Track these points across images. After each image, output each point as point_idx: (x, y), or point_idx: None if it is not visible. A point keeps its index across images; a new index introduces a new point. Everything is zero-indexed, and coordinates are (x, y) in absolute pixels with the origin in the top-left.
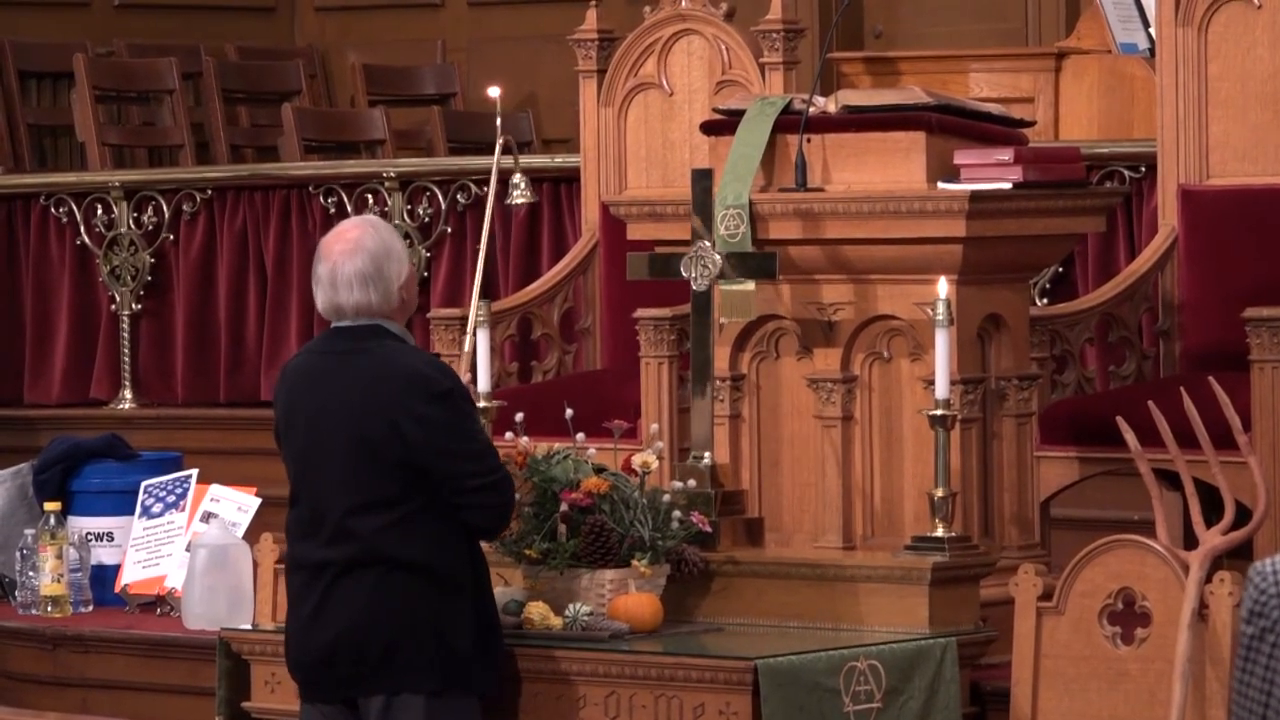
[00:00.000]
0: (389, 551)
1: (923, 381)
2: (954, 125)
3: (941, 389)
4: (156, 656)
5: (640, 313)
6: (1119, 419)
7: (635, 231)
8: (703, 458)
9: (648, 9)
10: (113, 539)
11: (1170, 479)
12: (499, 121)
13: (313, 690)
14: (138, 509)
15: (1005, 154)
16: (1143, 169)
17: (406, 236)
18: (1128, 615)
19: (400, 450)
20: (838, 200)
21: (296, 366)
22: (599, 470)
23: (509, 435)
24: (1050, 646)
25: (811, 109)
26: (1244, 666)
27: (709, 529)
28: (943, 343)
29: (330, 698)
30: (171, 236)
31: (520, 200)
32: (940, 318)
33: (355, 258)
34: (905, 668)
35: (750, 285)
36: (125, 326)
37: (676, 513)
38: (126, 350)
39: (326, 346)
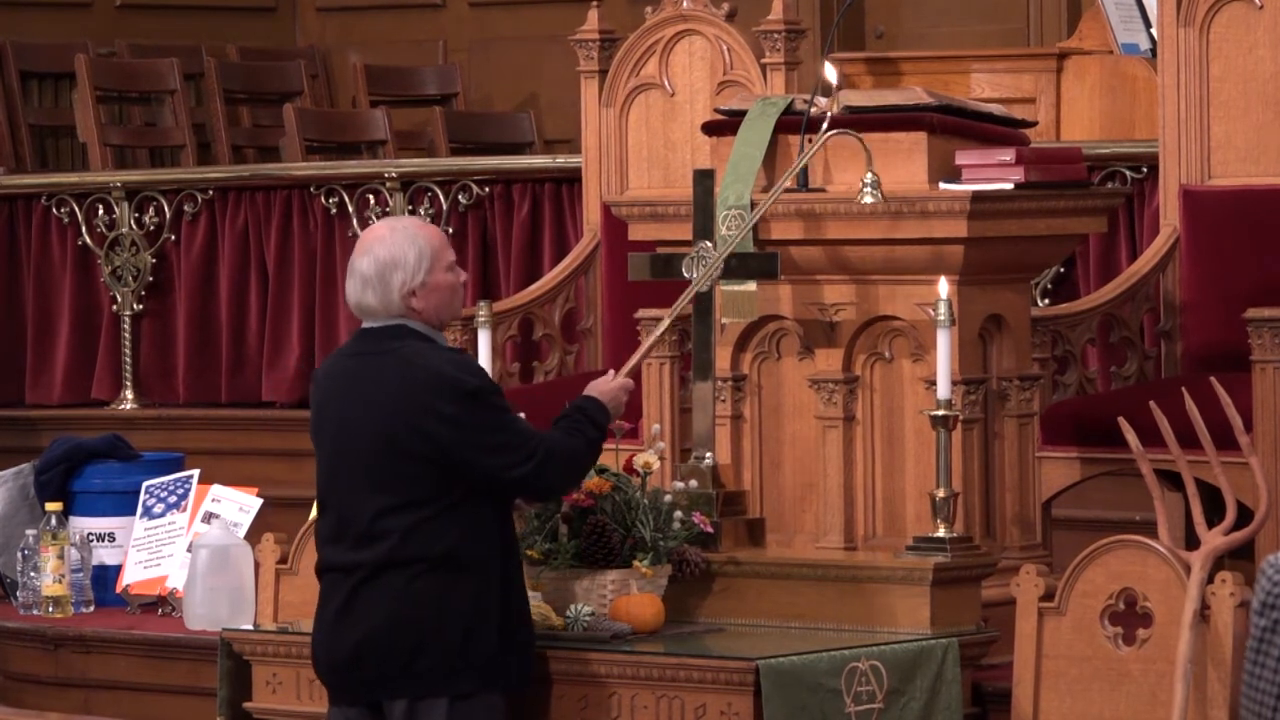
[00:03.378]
0: (419, 551)
1: (924, 382)
2: (955, 126)
3: (943, 389)
4: (158, 657)
5: (641, 313)
6: (1120, 419)
7: (637, 232)
8: (704, 458)
9: (649, 9)
10: (114, 539)
11: (1172, 479)
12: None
13: (338, 692)
14: (139, 509)
15: (1007, 154)
16: (1144, 169)
17: None
18: (1129, 616)
19: (431, 451)
20: (839, 201)
21: (326, 371)
22: (600, 471)
23: None
24: (1052, 647)
25: (813, 109)
26: (1255, 659)
27: (710, 529)
28: (944, 343)
29: (355, 700)
30: (173, 237)
31: (870, 199)
32: (942, 318)
33: (365, 258)
34: (907, 668)
35: (752, 286)
36: (127, 327)
37: (678, 513)
38: (128, 351)
39: (353, 349)
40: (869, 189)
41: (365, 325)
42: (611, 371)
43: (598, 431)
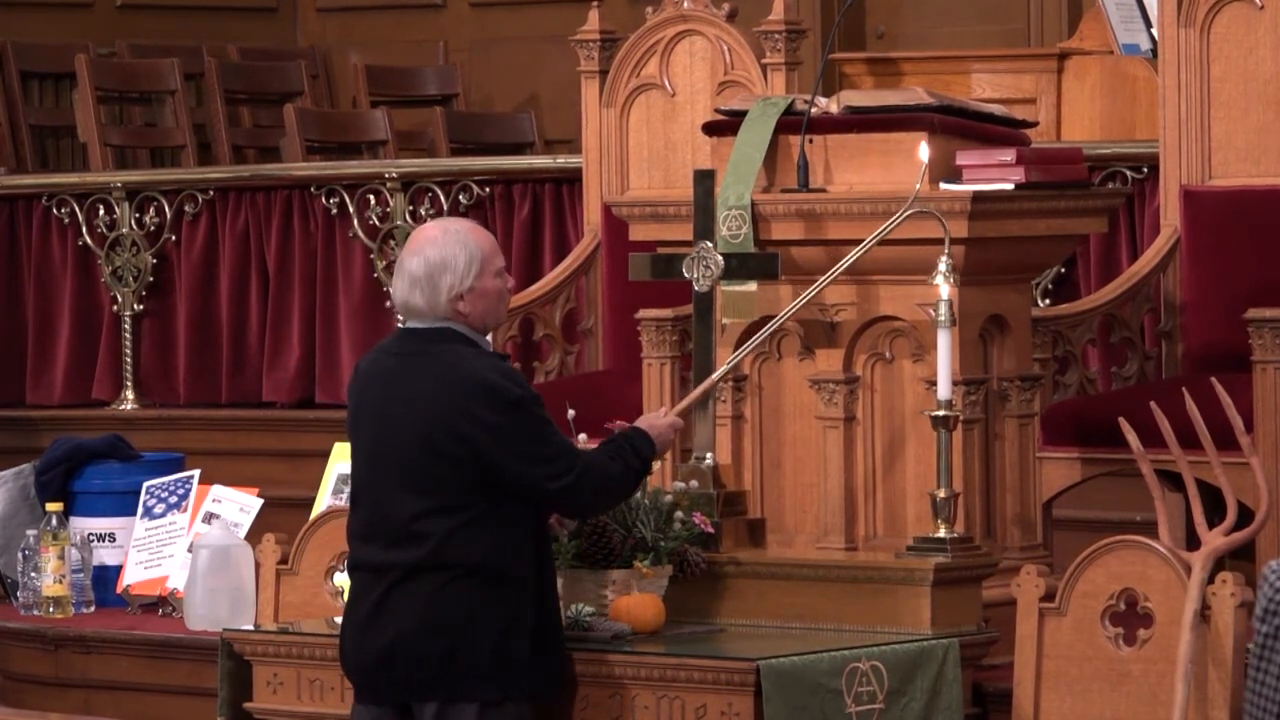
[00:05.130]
0: (454, 556)
1: (925, 382)
2: (956, 126)
3: (944, 390)
4: (158, 657)
5: (642, 313)
6: (1121, 420)
7: (637, 232)
8: (705, 458)
9: (650, 10)
10: (115, 540)
11: (1172, 480)
12: None
13: (367, 692)
14: (140, 510)
15: (1007, 155)
16: (1145, 170)
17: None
18: (1130, 616)
19: (471, 457)
20: (840, 201)
21: (367, 368)
22: None
23: None
24: (1052, 647)
25: (814, 110)
26: (1258, 665)
27: (711, 530)
28: (945, 343)
29: (384, 700)
30: (173, 237)
31: (940, 280)
32: (942, 318)
33: (415, 258)
34: (907, 669)
35: (752, 286)
36: (127, 327)
37: (679, 514)
38: (128, 351)
39: (396, 348)
40: (943, 272)
41: (409, 325)
42: (664, 409)
43: (640, 462)
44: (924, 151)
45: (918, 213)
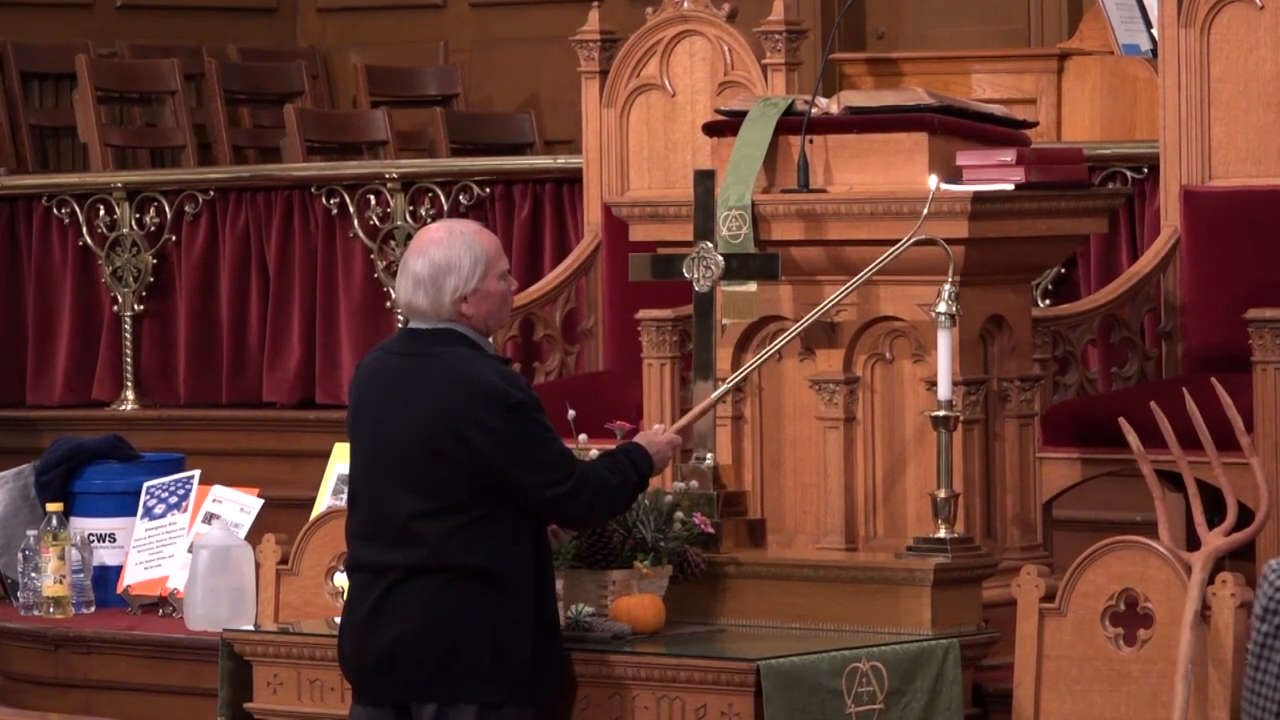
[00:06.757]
0: (453, 558)
1: (925, 382)
2: (956, 126)
3: (944, 390)
4: (158, 658)
5: (642, 314)
6: (1121, 420)
7: (637, 232)
8: (705, 459)
9: (650, 10)
10: (115, 540)
11: (1173, 480)
12: None
13: (366, 693)
14: (140, 510)
15: (1008, 155)
16: (1145, 170)
17: (408, 237)
18: (1130, 616)
19: (470, 459)
20: (840, 201)
21: (370, 367)
22: None
23: None
24: (1052, 648)
25: (814, 110)
26: (1257, 664)
27: (711, 530)
28: (945, 344)
29: (383, 701)
30: (174, 237)
31: (944, 306)
32: (942, 319)
33: (420, 259)
34: (907, 669)
35: (752, 286)
36: (127, 327)
37: (679, 514)
38: (129, 351)
39: (399, 348)
40: (946, 298)
41: (413, 325)
42: (659, 426)
43: (638, 476)
44: (933, 182)
45: (921, 219)
